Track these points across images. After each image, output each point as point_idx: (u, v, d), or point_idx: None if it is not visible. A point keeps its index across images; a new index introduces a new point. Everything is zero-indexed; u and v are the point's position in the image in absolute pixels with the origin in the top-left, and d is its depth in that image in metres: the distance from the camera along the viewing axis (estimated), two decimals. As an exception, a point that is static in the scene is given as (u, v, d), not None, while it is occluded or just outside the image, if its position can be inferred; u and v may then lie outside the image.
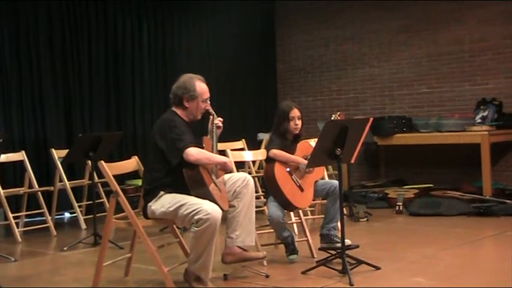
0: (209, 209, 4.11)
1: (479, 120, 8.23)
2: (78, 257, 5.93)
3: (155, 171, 4.43)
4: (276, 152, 5.09)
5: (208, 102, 4.59)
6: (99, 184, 7.38)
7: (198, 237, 4.13)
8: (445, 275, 4.69)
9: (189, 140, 4.33)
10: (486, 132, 7.78)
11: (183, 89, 4.51)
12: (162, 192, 4.36)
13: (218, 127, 4.68)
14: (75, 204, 7.35)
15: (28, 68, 7.94)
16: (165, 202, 4.32)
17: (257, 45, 10.43)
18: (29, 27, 7.96)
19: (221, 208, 4.25)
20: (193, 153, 4.27)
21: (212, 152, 4.56)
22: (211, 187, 4.36)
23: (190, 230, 4.19)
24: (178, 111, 4.53)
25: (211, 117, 4.65)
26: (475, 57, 8.74)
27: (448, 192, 7.91)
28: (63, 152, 7.00)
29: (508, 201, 7.27)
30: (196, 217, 4.11)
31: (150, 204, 4.41)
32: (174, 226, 4.80)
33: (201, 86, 4.55)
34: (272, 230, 5.24)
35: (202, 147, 4.44)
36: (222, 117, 4.72)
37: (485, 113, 8.27)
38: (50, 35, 8.13)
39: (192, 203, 4.18)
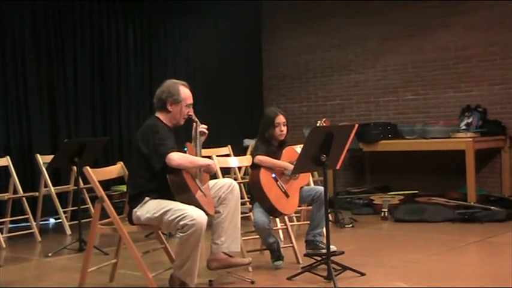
0: (194, 214, 4.11)
1: (463, 127, 8.27)
2: (63, 263, 5.90)
3: (139, 177, 4.42)
4: (261, 158, 5.09)
5: (191, 108, 4.59)
6: (84, 190, 7.33)
7: (183, 243, 4.13)
8: (430, 280, 4.71)
9: (171, 145, 4.33)
10: (471, 139, 7.82)
11: (167, 93, 4.52)
12: (147, 198, 4.36)
13: (203, 134, 4.67)
14: (60, 210, 7.30)
15: (13, 72, 7.89)
16: (150, 208, 4.32)
17: (243, 51, 10.41)
18: (14, 31, 7.92)
19: (207, 213, 4.25)
20: (175, 158, 4.26)
21: (196, 158, 4.55)
22: (197, 192, 4.36)
23: (176, 236, 4.19)
24: (161, 117, 4.54)
25: (194, 124, 4.65)
26: (459, 64, 8.78)
27: (433, 198, 7.95)
28: (48, 158, 6.96)
29: (492, 207, 7.31)
30: (181, 223, 4.10)
31: (135, 210, 4.39)
32: (160, 232, 4.80)
33: (184, 91, 4.56)
34: (257, 236, 5.24)
35: (184, 152, 4.44)
36: (206, 124, 4.72)
37: (470, 120, 8.32)
38: (35, 39, 8.09)
39: (177, 208, 4.18)
